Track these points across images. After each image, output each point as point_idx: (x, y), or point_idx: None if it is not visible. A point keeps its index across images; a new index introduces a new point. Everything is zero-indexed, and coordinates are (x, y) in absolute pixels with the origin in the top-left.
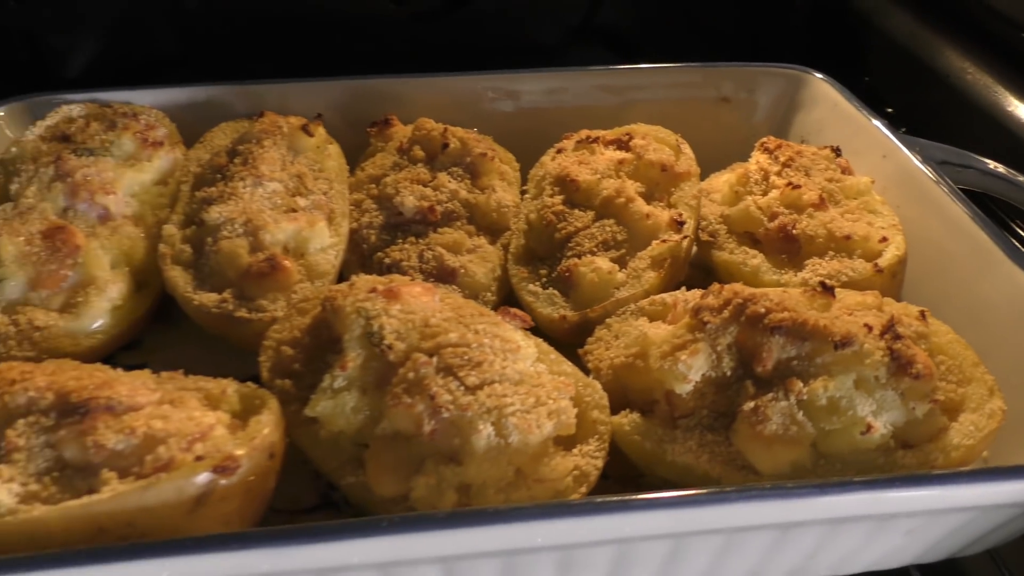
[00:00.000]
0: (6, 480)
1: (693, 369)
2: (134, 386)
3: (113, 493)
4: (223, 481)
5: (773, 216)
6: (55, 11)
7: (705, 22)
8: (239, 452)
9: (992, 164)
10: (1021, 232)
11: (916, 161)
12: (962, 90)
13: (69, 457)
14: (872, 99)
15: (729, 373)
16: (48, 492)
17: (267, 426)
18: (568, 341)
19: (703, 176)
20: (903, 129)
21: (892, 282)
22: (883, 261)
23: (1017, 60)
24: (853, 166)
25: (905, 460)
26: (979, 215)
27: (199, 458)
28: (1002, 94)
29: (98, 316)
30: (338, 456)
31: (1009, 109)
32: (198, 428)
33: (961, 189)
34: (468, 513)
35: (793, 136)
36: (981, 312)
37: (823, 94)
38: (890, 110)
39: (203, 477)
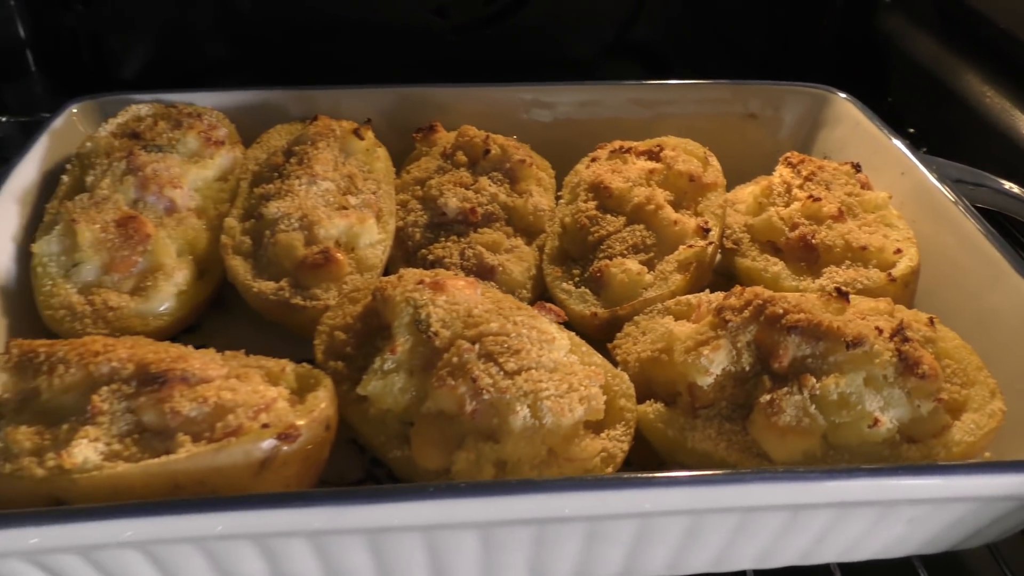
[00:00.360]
0: (92, 439)
1: (714, 363)
2: (205, 361)
3: (189, 453)
4: (285, 447)
5: (794, 226)
6: (112, 14)
7: (735, 41)
8: (300, 422)
9: (1006, 184)
10: None
11: (932, 179)
12: (981, 112)
13: (148, 421)
14: (894, 119)
15: (747, 368)
16: (129, 452)
17: (324, 401)
18: (598, 337)
19: (730, 187)
20: (924, 148)
21: (904, 291)
22: (896, 271)
23: None
24: (873, 182)
25: (909, 453)
26: (990, 231)
27: (265, 426)
28: (1019, 117)
29: (165, 299)
30: (385, 432)
31: None
32: (263, 400)
33: (975, 206)
34: (504, 483)
35: (816, 152)
36: (989, 321)
37: (846, 113)
38: (912, 130)
39: (268, 443)
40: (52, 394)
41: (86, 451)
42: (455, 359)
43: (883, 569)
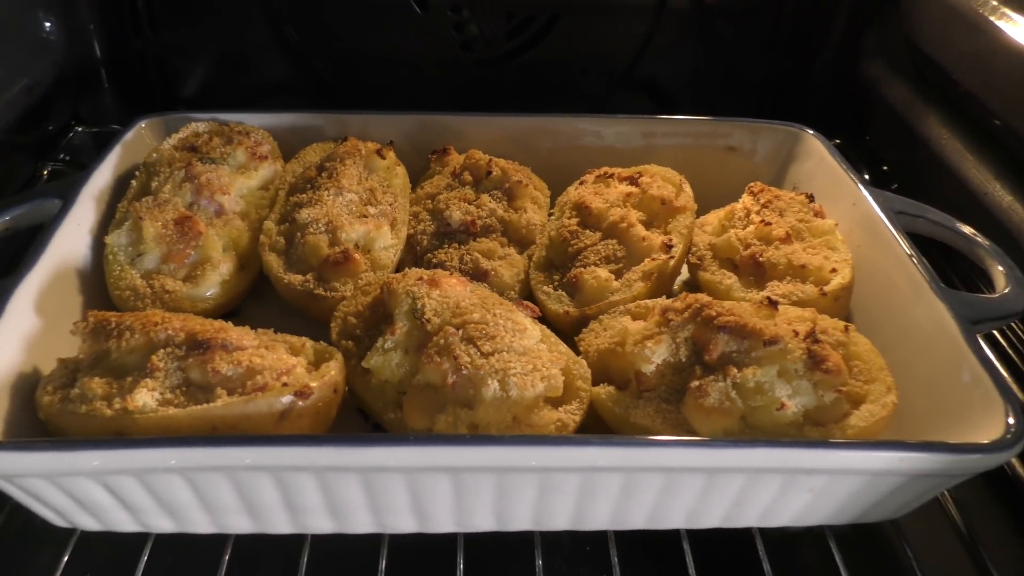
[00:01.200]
0: (150, 389)
1: (656, 354)
2: (240, 334)
3: (225, 403)
4: (300, 403)
5: (747, 246)
6: (176, 40)
7: (736, 79)
8: (313, 384)
9: (942, 216)
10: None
11: (877, 209)
12: (938, 153)
13: (193, 378)
14: (871, 156)
15: (684, 360)
16: (178, 400)
17: (334, 369)
18: (569, 332)
19: (708, 211)
20: (894, 184)
21: (835, 304)
22: (829, 287)
23: (979, 130)
24: (829, 210)
25: (811, 433)
26: (917, 255)
27: (285, 385)
28: (967, 158)
29: (211, 287)
30: (383, 399)
31: (971, 171)
32: (285, 366)
33: (915, 234)
34: (469, 436)
35: (787, 183)
36: (910, 331)
37: (814, 149)
38: (885, 167)
39: (287, 398)
40: (119, 354)
41: (145, 397)
42: (442, 341)
43: (799, 539)
